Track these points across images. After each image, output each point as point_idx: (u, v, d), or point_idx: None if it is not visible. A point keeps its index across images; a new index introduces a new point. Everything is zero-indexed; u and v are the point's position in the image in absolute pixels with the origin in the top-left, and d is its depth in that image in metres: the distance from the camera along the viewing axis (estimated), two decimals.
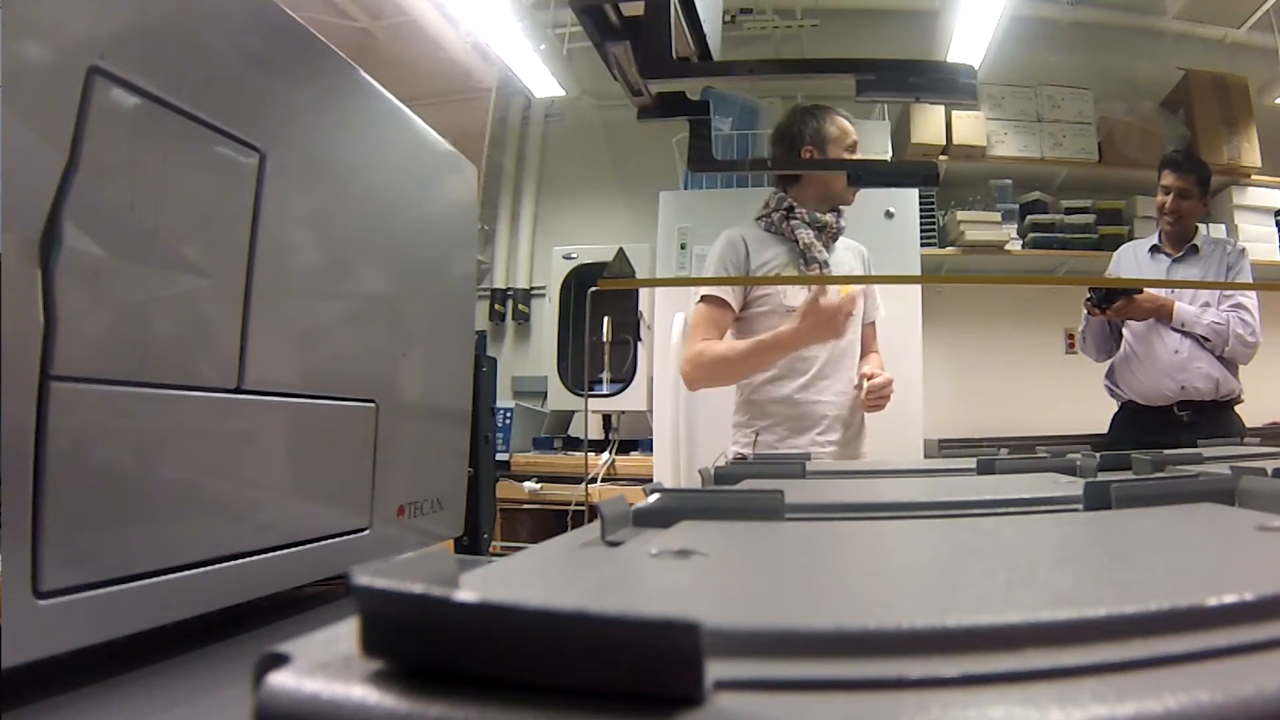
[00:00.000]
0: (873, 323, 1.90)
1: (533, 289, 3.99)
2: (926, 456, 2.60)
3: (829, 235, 1.80)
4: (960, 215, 3.40)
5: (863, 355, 1.83)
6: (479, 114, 3.63)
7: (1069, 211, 3.44)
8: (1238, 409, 2.31)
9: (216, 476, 0.60)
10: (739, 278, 1.78)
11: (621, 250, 3.25)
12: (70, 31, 0.47)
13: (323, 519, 0.68)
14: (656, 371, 2.81)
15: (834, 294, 1.78)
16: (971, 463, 0.83)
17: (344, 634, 0.22)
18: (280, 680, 0.19)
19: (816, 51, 3.70)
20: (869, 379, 1.71)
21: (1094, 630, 0.22)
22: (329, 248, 0.73)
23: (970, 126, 3.43)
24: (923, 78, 0.72)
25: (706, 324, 1.77)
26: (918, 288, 2.68)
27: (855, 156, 1.80)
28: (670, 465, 2.48)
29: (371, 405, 0.77)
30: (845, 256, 1.86)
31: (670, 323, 2.53)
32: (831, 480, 0.84)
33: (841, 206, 1.83)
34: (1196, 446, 1.25)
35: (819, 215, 1.78)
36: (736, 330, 1.80)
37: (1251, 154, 3.38)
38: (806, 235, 1.77)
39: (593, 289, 2.74)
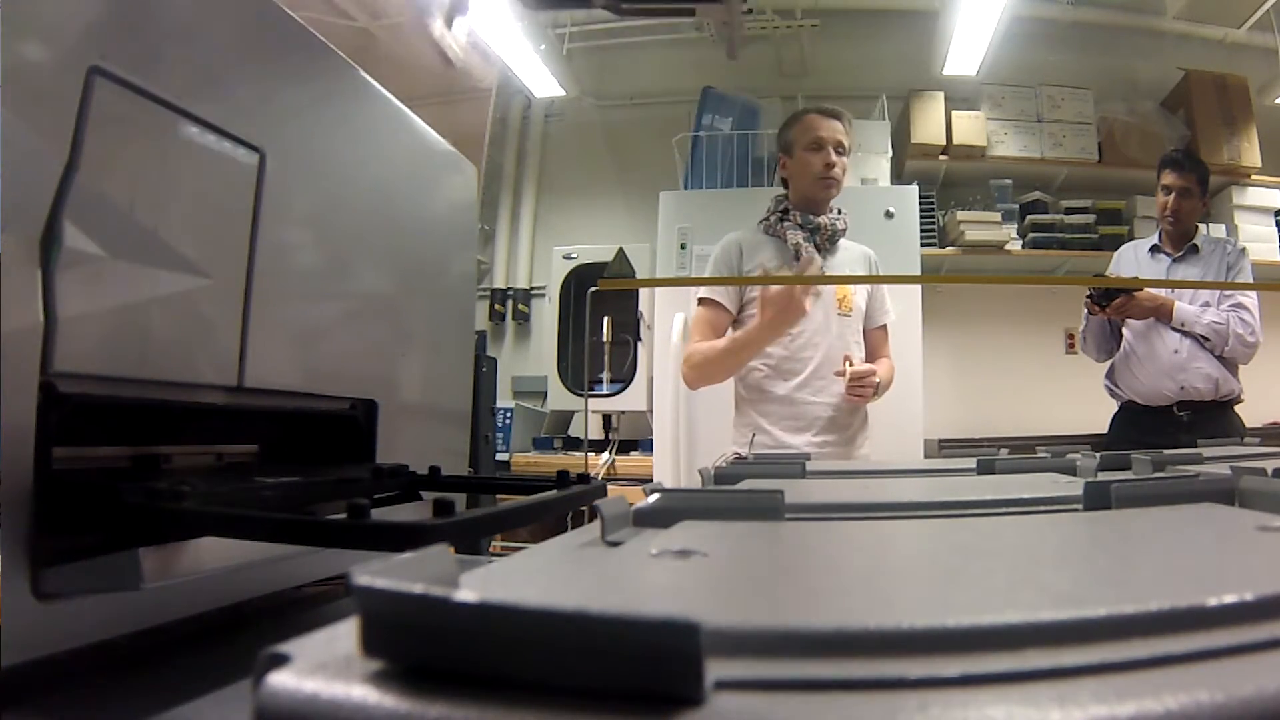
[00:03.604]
0: (883, 326, 1.89)
1: (533, 289, 3.99)
2: (926, 456, 2.60)
3: (824, 236, 1.80)
4: (960, 215, 3.40)
5: (873, 360, 1.83)
6: (479, 114, 3.62)
7: (1069, 211, 3.43)
8: (1238, 409, 2.31)
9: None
10: (735, 278, 1.79)
11: (621, 250, 3.25)
12: (70, 31, 0.47)
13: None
14: (656, 371, 2.81)
15: (830, 294, 1.78)
16: (971, 463, 0.83)
17: (344, 634, 0.22)
18: (280, 680, 0.19)
19: (817, 51, 3.70)
20: (851, 363, 1.71)
21: (1094, 630, 0.22)
22: (329, 247, 0.73)
23: (970, 126, 3.43)
24: None
25: (703, 326, 1.78)
26: (918, 288, 2.68)
27: (821, 153, 1.77)
28: (670, 465, 2.48)
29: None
30: (847, 258, 1.86)
31: (670, 323, 2.53)
32: (831, 480, 0.84)
33: (842, 207, 1.83)
34: (1196, 446, 1.25)
35: (812, 217, 1.79)
36: (734, 331, 1.80)
37: (1251, 154, 3.38)
38: (795, 236, 1.77)
39: (593, 289, 2.74)
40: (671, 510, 0.46)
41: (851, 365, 1.72)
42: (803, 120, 1.81)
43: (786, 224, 1.79)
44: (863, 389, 1.71)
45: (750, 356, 1.74)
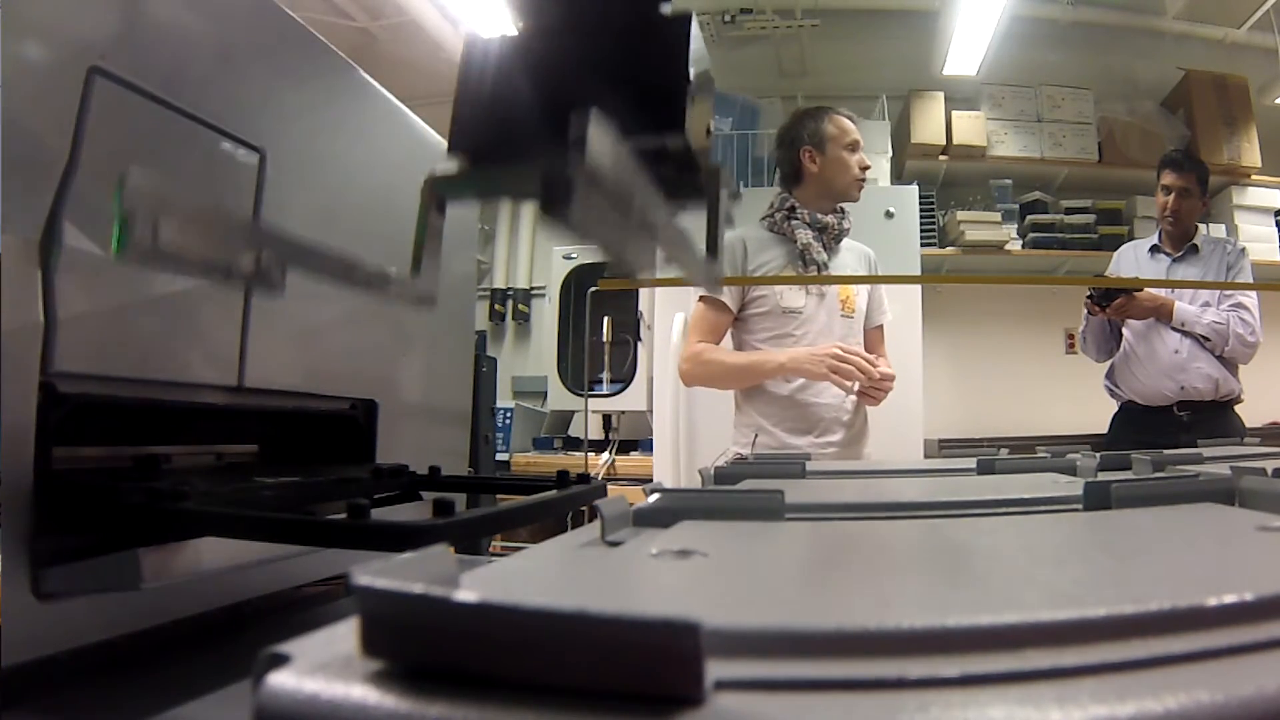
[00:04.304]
0: (879, 326, 1.89)
1: (533, 289, 3.99)
2: (926, 456, 2.60)
3: (830, 236, 1.80)
4: (960, 215, 3.40)
5: None
6: None
7: (1069, 211, 3.44)
8: (1238, 409, 2.31)
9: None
10: (738, 278, 1.78)
11: None
12: (70, 31, 0.47)
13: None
14: (656, 371, 2.81)
15: (833, 296, 1.78)
16: (971, 463, 0.83)
17: (344, 634, 0.22)
18: (280, 680, 0.19)
19: (817, 51, 3.70)
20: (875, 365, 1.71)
21: (1094, 630, 0.22)
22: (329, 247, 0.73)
23: (970, 126, 3.43)
24: None
25: (703, 325, 1.78)
26: (918, 288, 2.68)
27: (857, 155, 1.80)
28: (670, 465, 2.48)
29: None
30: (849, 259, 1.85)
31: (670, 323, 2.53)
32: (831, 480, 0.84)
33: (845, 206, 1.83)
34: (1196, 446, 1.25)
35: (819, 216, 1.79)
36: (735, 331, 1.80)
37: (1251, 154, 3.38)
38: (805, 235, 1.77)
39: (593, 289, 2.74)
40: (671, 510, 0.46)
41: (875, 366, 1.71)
42: (835, 120, 1.81)
43: (794, 222, 1.79)
44: (878, 391, 1.70)
45: (756, 382, 1.75)
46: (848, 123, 1.81)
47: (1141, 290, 2.27)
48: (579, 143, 0.26)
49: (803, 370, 1.67)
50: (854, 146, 1.80)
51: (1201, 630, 0.23)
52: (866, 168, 1.82)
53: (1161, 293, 2.28)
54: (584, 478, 0.65)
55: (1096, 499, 0.50)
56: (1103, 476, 0.64)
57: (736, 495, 0.51)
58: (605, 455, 3.01)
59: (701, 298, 1.80)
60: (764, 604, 0.29)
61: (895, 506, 0.57)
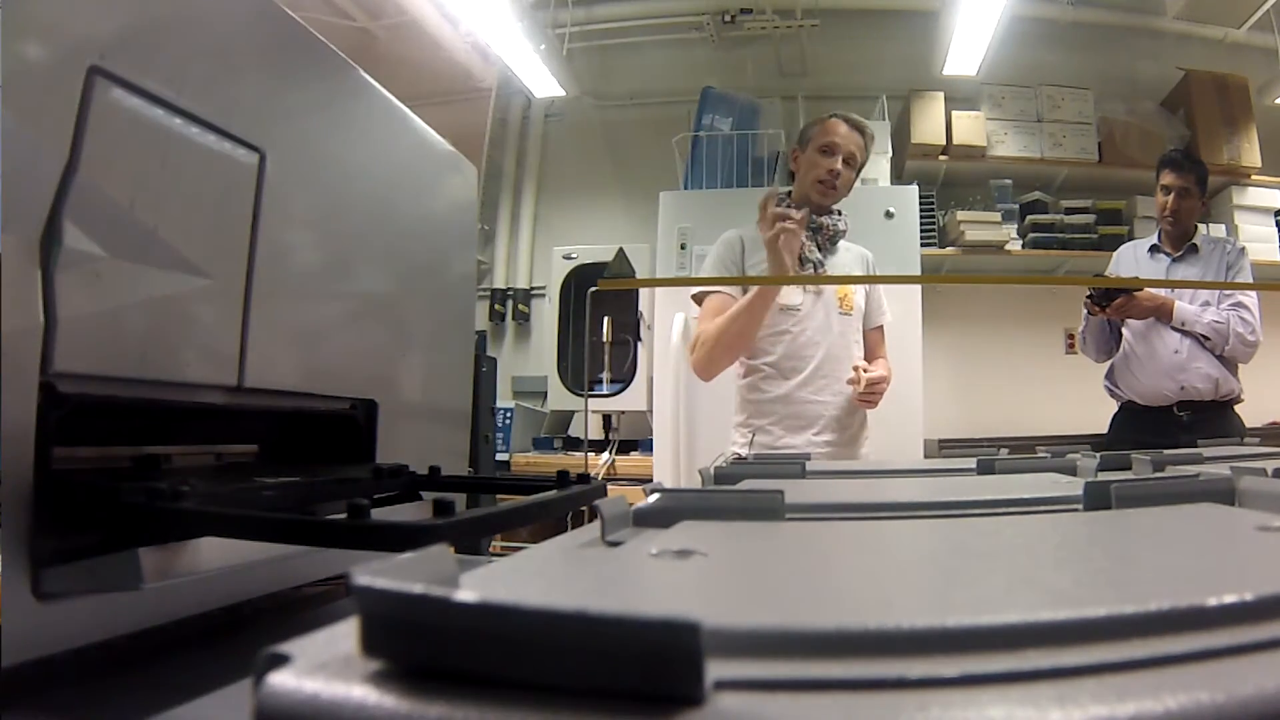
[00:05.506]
0: (879, 327, 1.89)
1: (533, 289, 3.99)
2: (926, 456, 2.60)
3: (825, 236, 1.81)
4: (960, 215, 3.39)
5: (870, 360, 1.83)
6: (479, 114, 3.63)
7: (1069, 211, 3.43)
8: (1238, 409, 2.31)
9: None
10: (736, 278, 1.79)
11: (621, 250, 3.25)
12: (70, 31, 0.47)
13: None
14: (656, 371, 2.81)
15: (831, 293, 1.79)
16: (971, 463, 0.83)
17: (344, 634, 0.22)
18: (281, 680, 0.19)
19: (817, 51, 3.70)
20: (864, 370, 1.71)
21: (1094, 630, 0.22)
22: (329, 247, 0.73)
23: (970, 126, 3.43)
24: None
25: (711, 317, 1.78)
26: (918, 288, 2.68)
27: (830, 158, 1.78)
28: (670, 465, 2.48)
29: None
30: (846, 259, 1.86)
31: (670, 323, 2.53)
32: (831, 480, 0.84)
33: (841, 208, 1.83)
34: (1196, 446, 1.25)
35: (815, 216, 1.79)
36: None
37: (1251, 154, 3.38)
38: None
39: (593, 289, 2.74)
40: (671, 510, 0.46)
41: (866, 371, 1.71)
42: (826, 122, 1.83)
43: None
44: (873, 394, 1.71)
45: (758, 316, 1.70)
46: (835, 124, 1.81)
47: (1141, 290, 2.27)
48: None
49: (781, 257, 1.64)
50: (828, 149, 1.79)
51: (1201, 630, 0.23)
52: (833, 171, 1.78)
53: (1161, 292, 2.28)
54: (584, 478, 0.65)
55: (1097, 499, 0.50)
56: (1103, 476, 0.64)
57: (736, 495, 0.51)
58: (605, 455, 3.02)
59: (707, 296, 1.81)
60: (764, 604, 0.29)
61: (895, 506, 0.57)
